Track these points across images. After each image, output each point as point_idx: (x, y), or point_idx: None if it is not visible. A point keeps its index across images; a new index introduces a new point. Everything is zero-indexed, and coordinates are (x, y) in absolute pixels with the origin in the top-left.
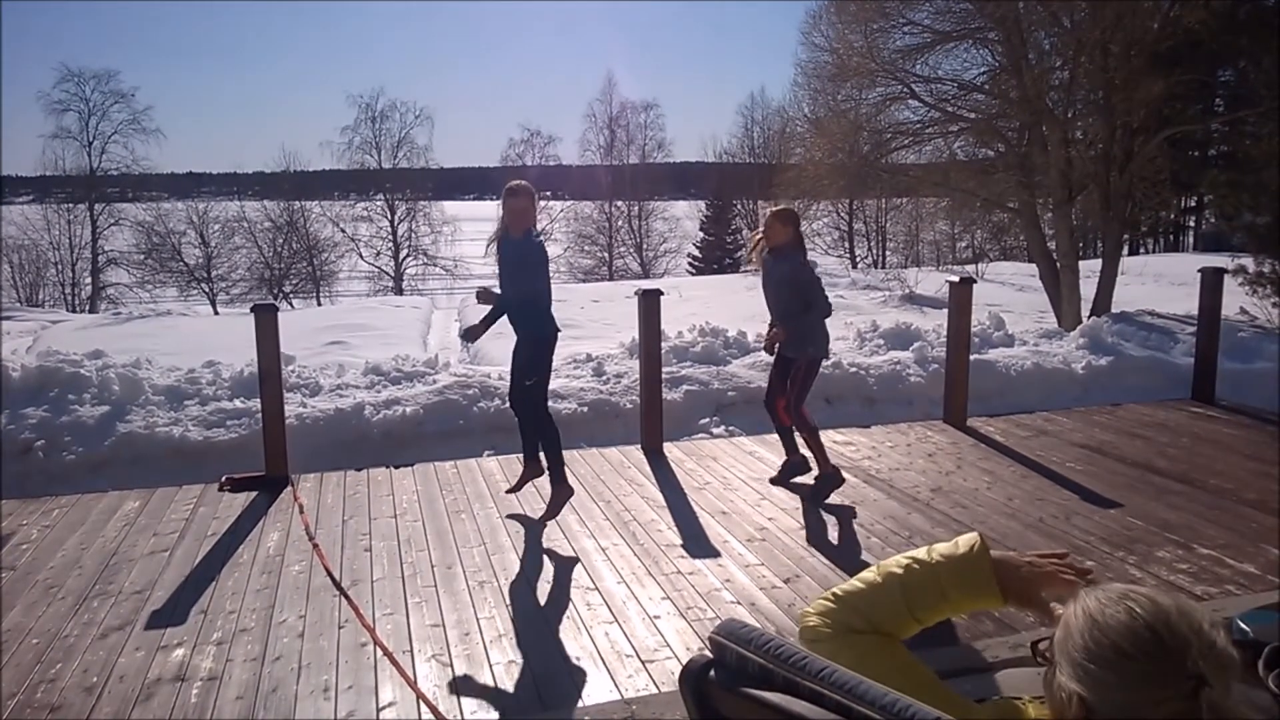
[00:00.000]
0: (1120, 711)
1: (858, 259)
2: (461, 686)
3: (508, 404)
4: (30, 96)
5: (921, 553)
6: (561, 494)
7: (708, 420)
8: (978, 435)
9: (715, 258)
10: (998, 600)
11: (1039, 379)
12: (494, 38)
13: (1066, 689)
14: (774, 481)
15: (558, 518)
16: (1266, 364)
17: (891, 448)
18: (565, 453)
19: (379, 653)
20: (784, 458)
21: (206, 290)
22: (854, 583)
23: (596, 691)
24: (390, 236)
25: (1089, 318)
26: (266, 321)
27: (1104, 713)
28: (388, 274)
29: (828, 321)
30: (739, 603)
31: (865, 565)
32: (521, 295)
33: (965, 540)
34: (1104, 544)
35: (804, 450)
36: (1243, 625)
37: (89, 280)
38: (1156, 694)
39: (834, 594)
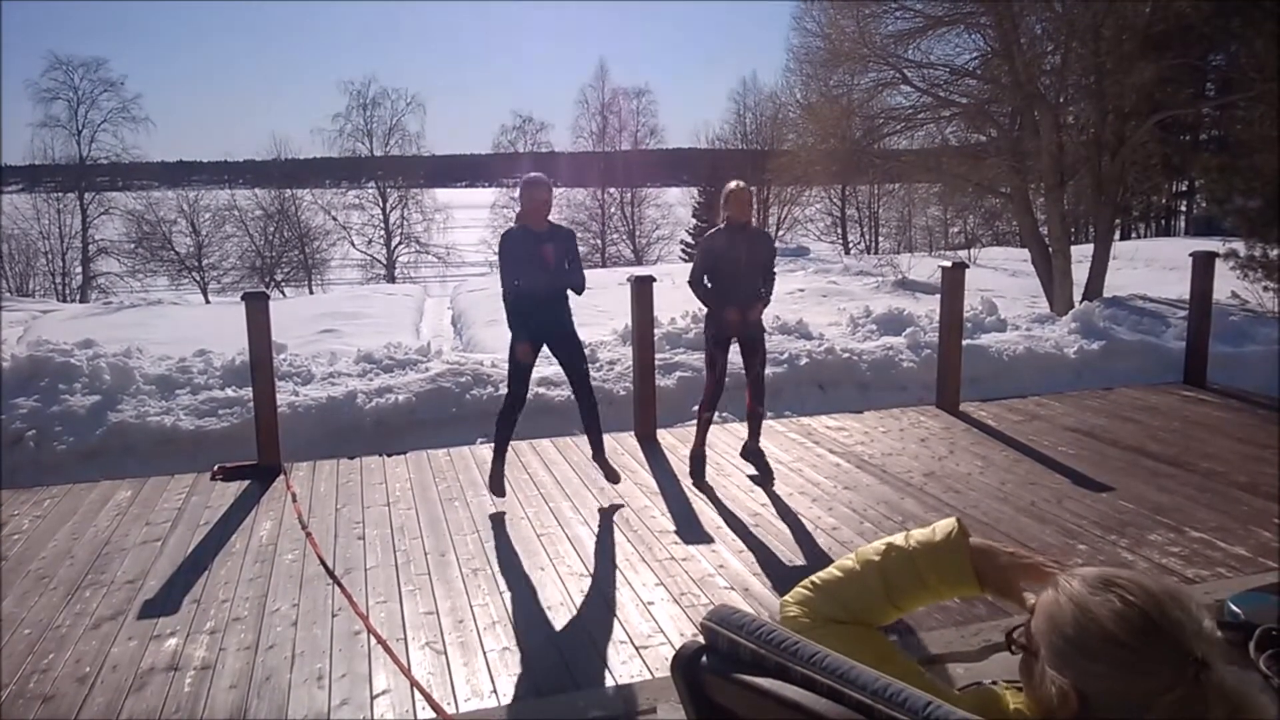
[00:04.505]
0: (1117, 701)
1: (850, 245)
2: (455, 674)
3: (574, 394)
4: (19, 85)
5: (899, 538)
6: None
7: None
8: (970, 420)
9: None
10: (975, 589)
11: (1031, 364)
12: (486, 24)
13: (1057, 682)
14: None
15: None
16: (1258, 347)
17: (884, 433)
18: (559, 439)
19: (372, 641)
20: (772, 451)
21: (198, 279)
22: (832, 571)
23: (590, 678)
24: (382, 224)
25: (1081, 302)
26: (258, 310)
27: (1104, 702)
28: (380, 262)
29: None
30: (732, 588)
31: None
32: (580, 283)
33: (943, 526)
34: (1096, 527)
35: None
36: (1235, 608)
37: (79, 269)
38: (1157, 681)
39: (812, 583)
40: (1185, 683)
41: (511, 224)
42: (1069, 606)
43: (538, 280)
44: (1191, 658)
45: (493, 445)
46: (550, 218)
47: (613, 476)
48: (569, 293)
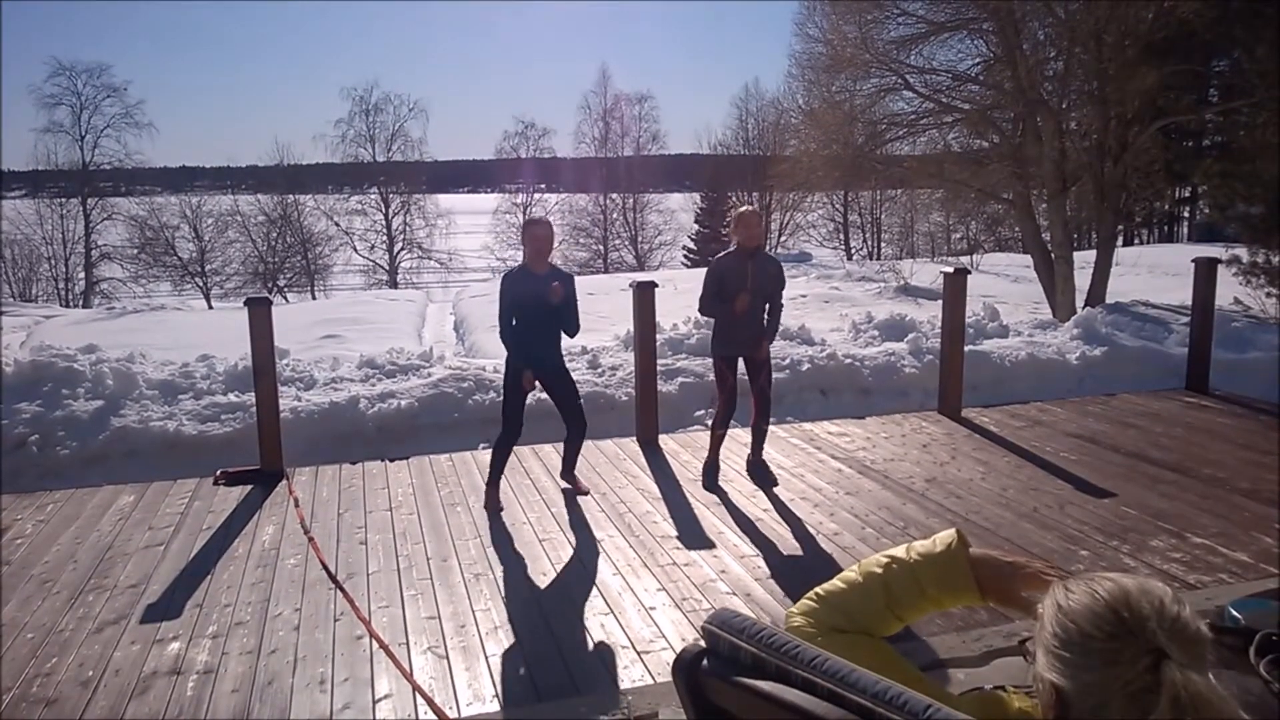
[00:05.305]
0: (1092, 695)
1: (853, 251)
2: (457, 678)
3: (565, 424)
4: (22, 91)
5: (900, 551)
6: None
7: (703, 412)
8: (972, 426)
9: (710, 250)
10: (976, 598)
11: (1033, 370)
12: (488, 30)
13: (1043, 680)
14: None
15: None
16: (1260, 354)
17: (886, 439)
18: (560, 445)
19: (375, 645)
20: (774, 457)
21: (201, 284)
22: (836, 583)
23: (592, 682)
24: (384, 230)
25: (1083, 308)
26: (260, 315)
27: (1077, 698)
28: (382, 267)
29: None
30: (734, 593)
31: (860, 556)
32: (573, 326)
33: (943, 538)
34: (1098, 533)
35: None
36: (1235, 613)
37: (82, 275)
38: (1121, 672)
39: (817, 594)
40: (1141, 673)
41: (513, 264)
42: (1052, 609)
43: (534, 319)
44: (1149, 648)
45: (489, 469)
46: (552, 260)
47: (580, 491)
48: (562, 333)
